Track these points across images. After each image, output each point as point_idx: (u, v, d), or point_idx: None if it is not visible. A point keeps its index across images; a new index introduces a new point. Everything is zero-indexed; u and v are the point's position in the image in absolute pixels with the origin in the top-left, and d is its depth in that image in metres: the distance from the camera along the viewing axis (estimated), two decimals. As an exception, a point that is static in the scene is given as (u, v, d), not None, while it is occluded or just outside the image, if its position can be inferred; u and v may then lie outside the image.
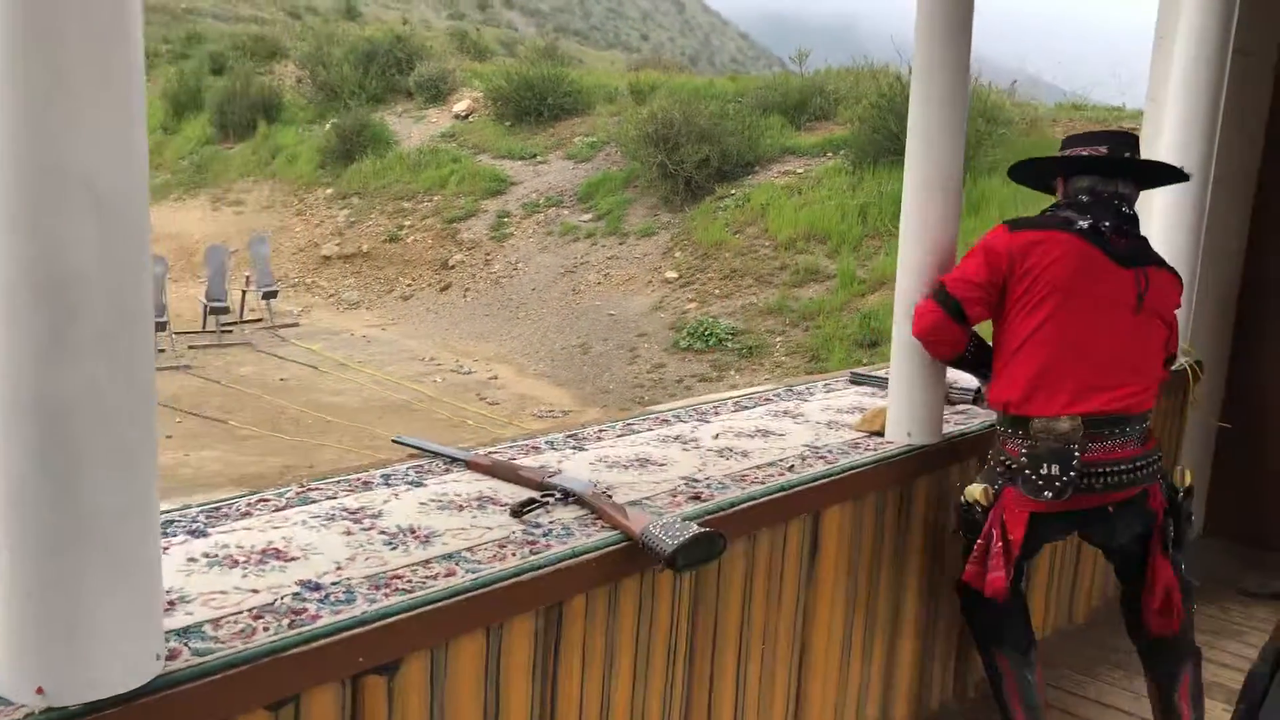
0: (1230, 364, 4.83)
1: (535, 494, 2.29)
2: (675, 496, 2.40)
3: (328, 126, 18.71)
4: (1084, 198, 2.61)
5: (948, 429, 3.11)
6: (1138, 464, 2.60)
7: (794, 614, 2.64)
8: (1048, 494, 2.52)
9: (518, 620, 1.97)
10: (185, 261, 14.73)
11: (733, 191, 13.90)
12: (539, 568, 1.97)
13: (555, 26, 66.62)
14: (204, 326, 12.42)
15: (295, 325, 13.32)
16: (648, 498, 2.38)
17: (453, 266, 14.39)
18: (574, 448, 2.76)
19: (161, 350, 11.02)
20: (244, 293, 13.29)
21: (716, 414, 3.20)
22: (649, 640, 2.24)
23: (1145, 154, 2.83)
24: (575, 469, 2.56)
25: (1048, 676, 3.22)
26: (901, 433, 2.95)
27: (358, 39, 21.89)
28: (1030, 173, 2.86)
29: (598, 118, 17.16)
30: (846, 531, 2.76)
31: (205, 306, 12.17)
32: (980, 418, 3.27)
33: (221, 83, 21.53)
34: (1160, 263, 2.69)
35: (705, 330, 11.08)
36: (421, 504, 2.25)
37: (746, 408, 3.30)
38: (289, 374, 10.79)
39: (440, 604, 1.81)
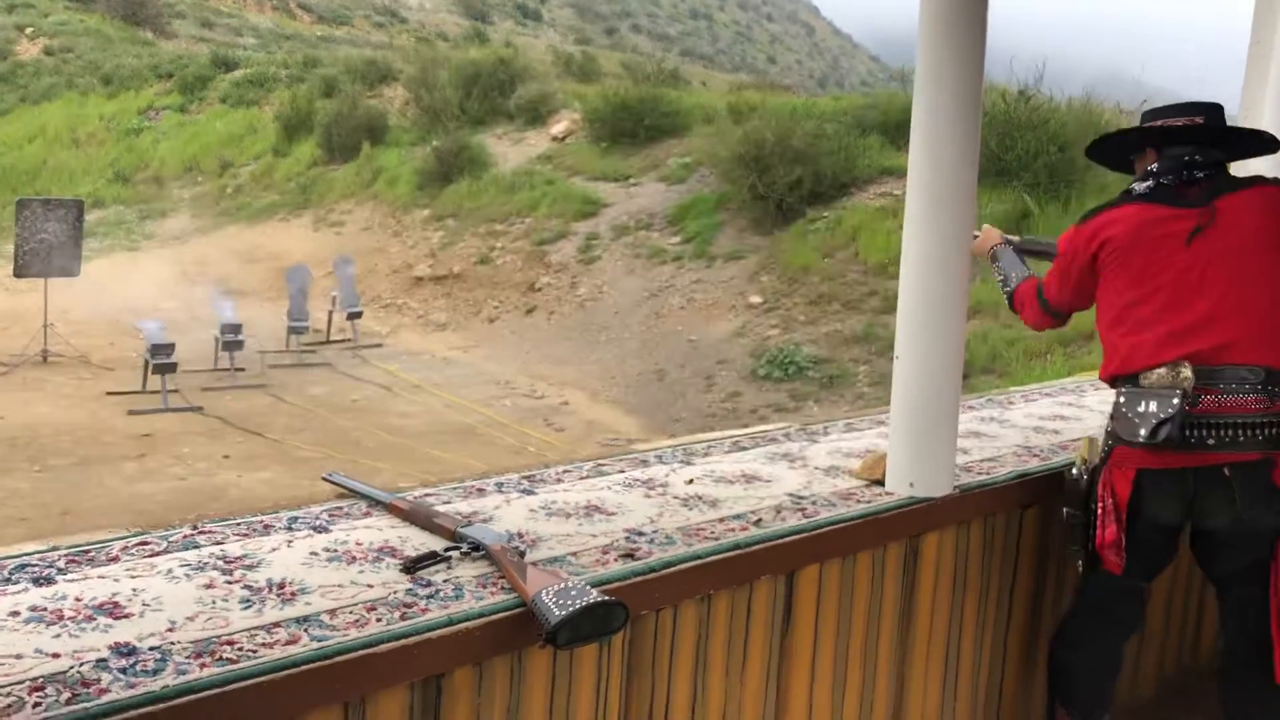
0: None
1: (442, 545, 2.02)
2: (607, 553, 2.10)
3: (428, 149, 18.92)
4: (1155, 166, 2.52)
5: (966, 479, 2.74)
6: (1258, 422, 2.37)
7: (762, 690, 2.32)
8: (1142, 431, 2.36)
9: (384, 695, 1.70)
10: (284, 281, 14.95)
11: (825, 214, 13.49)
12: (403, 636, 1.70)
13: (682, 50, 66.67)
14: (287, 346, 12.56)
15: (379, 346, 13.38)
16: (574, 554, 2.09)
17: (539, 289, 14.32)
18: (524, 491, 2.48)
19: (241, 369, 11.14)
20: (330, 313, 13.42)
21: (707, 455, 2.88)
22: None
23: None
24: (510, 516, 2.28)
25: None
26: (902, 483, 2.60)
27: (463, 61, 22.12)
28: (1112, 149, 2.75)
29: (694, 139, 16.93)
30: (832, 594, 2.42)
31: (287, 327, 12.32)
32: (1009, 467, 2.88)
33: (331, 106, 22.01)
34: (1243, 184, 2.50)
35: (786, 358, 10.69)
36: (311, 554, 2.01)
37: (745, 448, 2.97)
38: (361, 395, 10.80)
39: (267, 677, 1.56)
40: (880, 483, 2.64)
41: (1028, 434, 3.29)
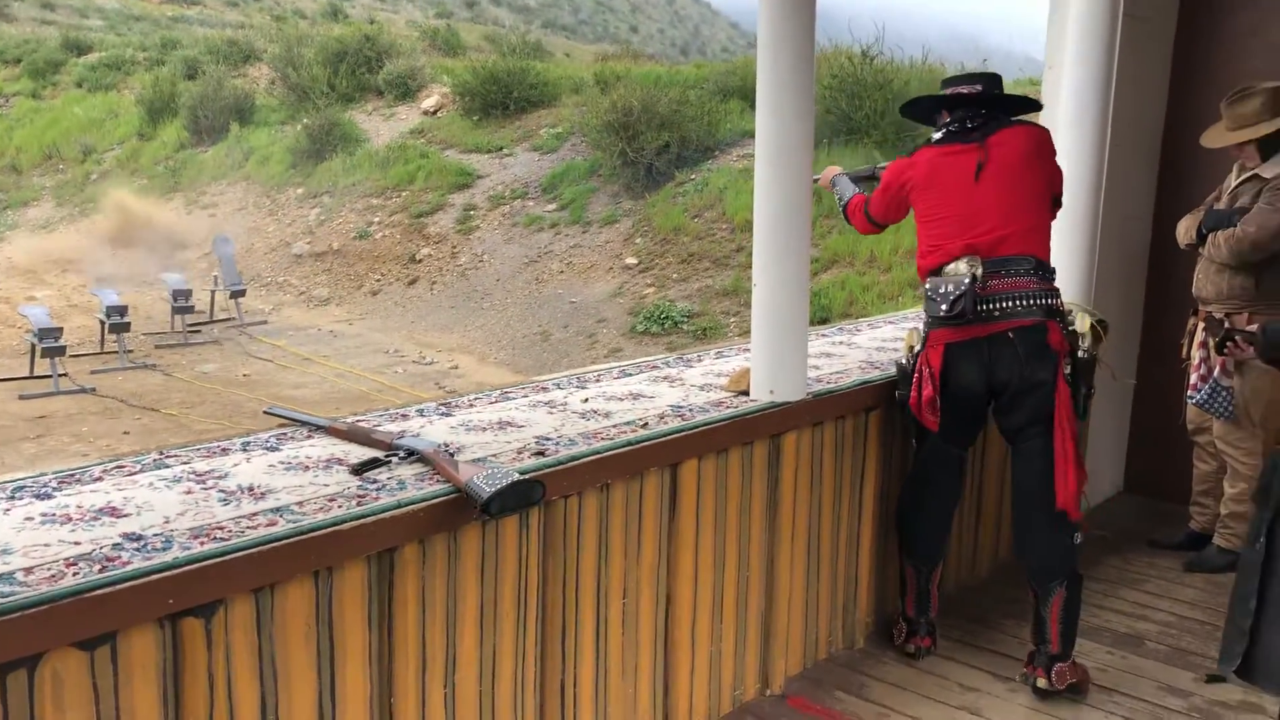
0: (1144, 323, 4.92)
1: (381, 454, 2.39)
2: (521, 453, 2.50)
3: (299, 127, 18.81)
4: (949, 121, 3.17)
5: (817, 387, 3.22)
6: (1032, 295, 3.02)
7: (656, 565, 2.74)
8: (943, 307, 2.98)
9: (347, 566, 2.07)
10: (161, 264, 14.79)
11: (692, 177, 14.06)
12: (362, 517, 2.07)
13: (544, 22, 66.21)
14: (173, 327, 12.55)
15: (264, 323, 13.44)
16: (494, 455, 2.48)
17: (420, 260, 14.52)
18: (442, 414, 2.86)
19: (129, 351, 11.13)
20: (213, 293, 13.42)
21: (598, 381, 3.30)
22: (495, 590, 2.34)
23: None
24: (435, 432, 2.66)
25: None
26: (764, 391, 3.05)
27: (328, 39, 21.94)
28: (919, 110, 3.37)
29: (564, 109, 17.27)
30: (709, 485, 2.85)
31: (172, 308, 12.31)
32: (854, 377, 3.37)
33: (196, 87, 21.59)
34: (1009, 123, 3.15)
35: (662, 314, 11.25)
36: (270, 466, 2.36)
37: (630, 374, 3.40)
38: (252, 370, 10.93)
39: (255, 550, 1.92)
40: (746, 393, 3.10)
41: (871, 353, 3.79)
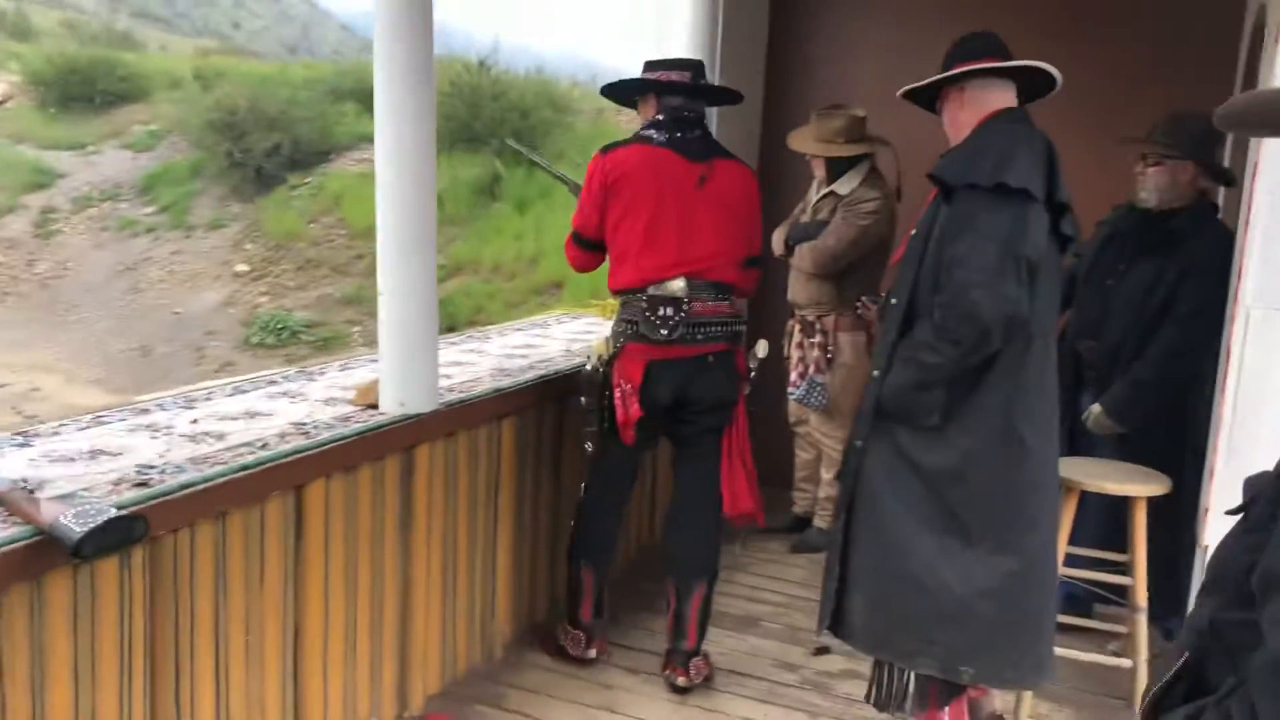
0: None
1: (-62, 497, 2.05)
2: (119, 485, 2.24)
3: None
4: (661, 116, 3.12)
5: (450, 396, 3.15)
6: (727, 321, 3.14)
7: (281, 596, 2.56)
8: (664, 331, 3.04)
9: (-105, 634, 1.75)
10: None
11: (306, 180, 13.53)
12: (-84, 573, 1.76)
13: (133, 12, 60.87)
14: None
15: None
16: (86, 489, 2.21)
17: (-12, 270, 12.89)
18: (19, 445, 2.51)
19: None
20: None
21: (208, 399, 3.04)
22: (92, 640, 2.07)
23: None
24: (9, 467, 2.33)
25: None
26: (394, 403, 2.94)
27: None
28: (622, 91, 3.30)
29: (160, 105, 16.00)
30: (338, 505, 2.71)
31: None
32: (486, 385, 3.34)
33: None
34: (728, 155, 3.19)
35: (278, 324, 10.73)
36: None
37: (245, 391, 3.16)
38: None
39: None
40: (375, 406, 2.97)
41: (502, 360, 3.78)
